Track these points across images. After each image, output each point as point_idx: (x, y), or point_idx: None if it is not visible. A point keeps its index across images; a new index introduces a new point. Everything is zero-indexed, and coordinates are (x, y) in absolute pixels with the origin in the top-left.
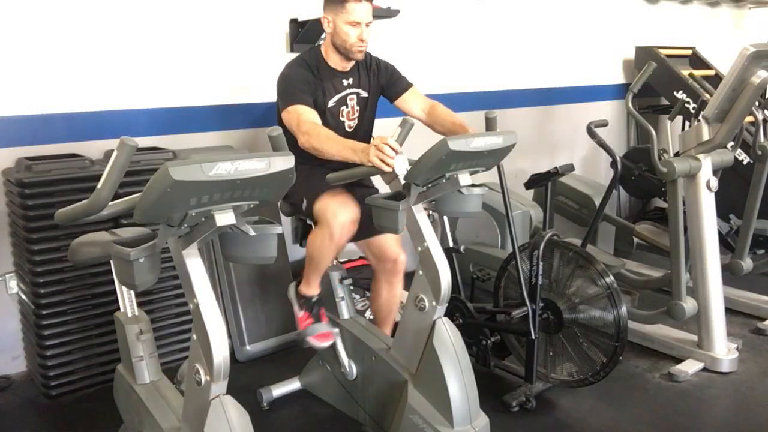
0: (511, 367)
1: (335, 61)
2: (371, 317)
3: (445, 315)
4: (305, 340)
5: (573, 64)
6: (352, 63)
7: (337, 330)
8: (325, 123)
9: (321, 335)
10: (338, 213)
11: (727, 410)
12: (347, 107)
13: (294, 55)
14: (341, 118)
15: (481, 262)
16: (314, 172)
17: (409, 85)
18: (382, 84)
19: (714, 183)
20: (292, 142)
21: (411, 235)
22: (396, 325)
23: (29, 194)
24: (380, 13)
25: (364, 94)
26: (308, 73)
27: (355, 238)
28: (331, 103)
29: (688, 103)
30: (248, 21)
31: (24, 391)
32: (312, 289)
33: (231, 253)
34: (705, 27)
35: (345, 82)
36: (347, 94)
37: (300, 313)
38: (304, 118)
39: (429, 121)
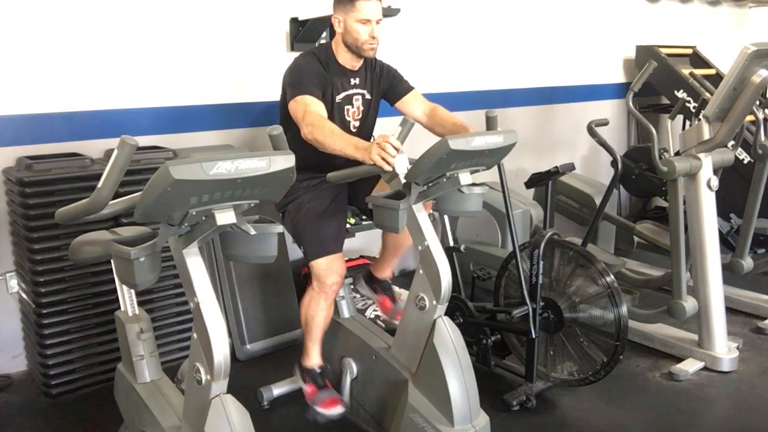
0: (512, 366)
1: (345, 60)
2: (372, 314)
3: (446, 314)
4: (314, 411)
5: (573, 63)
6: (361, 63)
7: (344, 400)
8: (331, 120)
9: (327, 402)
10: (328, 274)
11: (728, 409)
12: (353, 107)
13: (294, 54)
14: (347, 118)
15: (481, 261)
16: (306, 204)
17: (410, 89)
18: (384, 87)
19: (714, 182)
20: (291, 136)
21: (411, 234)
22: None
23: (30, 193)
24: None
25: (368, 95)
26: (319, 66)
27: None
28: (338, 100)
29: (689, 102)
30: (248, 20)
31: (24, 390)
32: (312, 359)
33: (231, 252)
34: (705, 26)
35: (352, 82)
36: (353, 94)
37: (306, 387)
38: (310, 109)
39: (429, 124)
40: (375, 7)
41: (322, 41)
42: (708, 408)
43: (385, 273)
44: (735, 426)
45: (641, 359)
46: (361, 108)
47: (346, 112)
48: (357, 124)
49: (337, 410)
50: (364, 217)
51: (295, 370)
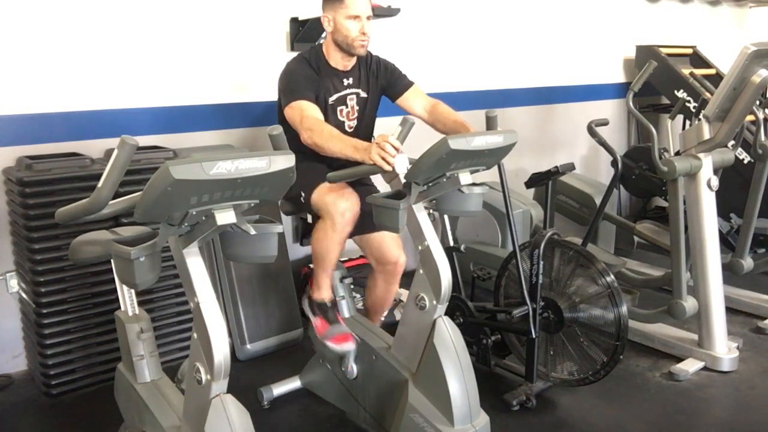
0: (512, 366)
1: (336, 60)
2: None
3: (446, 314)
4: (325, 345)
5: (574, 63)
6: (353, 62)
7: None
8: (326, 121)
9: (340, 336)
10: (338, 201)
11: (728, 409)
12: (347, 107)
13: (294, 54)
14: (341, 118)
15: (481, 261)
16: (312, 166)
17: (410, 84)
18: (383, 84)
19: (715, 182)
20: (291, 137)
21: (411, 234)
22: (396, 324)
23: (30, 193)
24: (380, 12)
25: (364, 94)
26: (310, 70)
27: (353, 233)
28: (330, 102)
29: (689, 102)
30: (249, 20)
31: (24, 389)
32: (324, 291)
33: (231, 251)
34: (705, 26)
35: (345, 82)
36: (347, 94)
37: (316, 321)
38: (307, 114)
39: (430, 120)
40: (364, 3)
41: (322, 41)
42: (708, 408)
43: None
44: (735, 426)
45: (641, 359)
46: (356, 107)
47: (339, 113)
48: (353, 123)
49: (348, 346)
50: None
51: (304, 302)
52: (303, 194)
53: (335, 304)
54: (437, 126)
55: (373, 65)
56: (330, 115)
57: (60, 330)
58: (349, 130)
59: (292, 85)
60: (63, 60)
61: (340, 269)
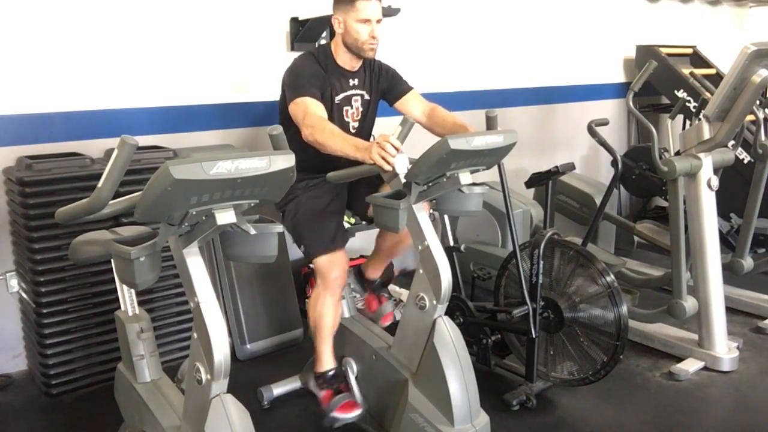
0: (512, 366)
1: (344, 60)
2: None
3: (446, 314)
4: (332, 417)
5: (574, 63)
6: (360, 63)
7: (361, 400)
8: (330, 120)
9: (345, 406)
10: (331, 268)
11: (728, 409)
12: (352, 108)
13: (295, 54)
14: (346, 119)
15: (481, 260)
16: (305, 203)
17: (409, 89)
18: (383, 88)
19: (715, 182)
20: (292, 135)
21: (411, 234)
22: (396, 324)
23: (30, 193)
24: None
25: (367, 96)
26: (317, 67)
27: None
28: (337, 101)
29: (689, 101)
30: (249, 20)
31: (25, 389)
32: (325, 364)
33: (231, 251)
34: (705, 26)
35: (351, 82)
36: (352, 95)
37: (322, 394)
38: (310, 111)
39: (429, 124)
40: (375, 7)
41: (322, 41)
42: (708, 408)
43: (374, 274)
44: (735, 426)
45: (641, 359)
46: (360, 109)
47: (345, 113)
48: (356, 124)
49: (355, 413)
50: None
51: (308, 379)
52: (298, 238)
53: (339, 371)
54: (436, 129)
55: (376, 69)
56: (335, 114)
57: (60, 330)
58: (353, 131)
59: (297, 80)
60: (63, 60)
61: None
